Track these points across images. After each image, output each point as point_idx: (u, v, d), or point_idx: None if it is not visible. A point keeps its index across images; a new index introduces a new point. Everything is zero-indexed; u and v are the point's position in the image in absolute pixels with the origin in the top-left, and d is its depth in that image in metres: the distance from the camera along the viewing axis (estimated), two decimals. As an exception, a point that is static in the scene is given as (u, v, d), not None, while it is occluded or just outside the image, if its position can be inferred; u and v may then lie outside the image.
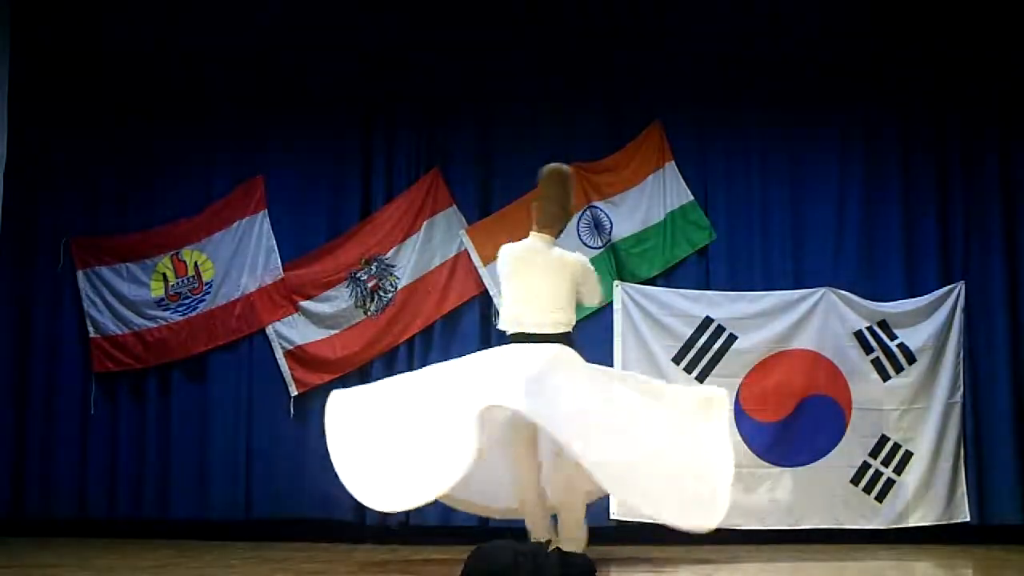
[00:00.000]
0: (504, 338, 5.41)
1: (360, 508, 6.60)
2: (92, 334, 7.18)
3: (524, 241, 5.46)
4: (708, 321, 6.81)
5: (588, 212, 7.06)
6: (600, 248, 7.01)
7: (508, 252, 5.45)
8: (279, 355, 7.06)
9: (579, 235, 7.01)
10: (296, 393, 6.98)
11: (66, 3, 7.44)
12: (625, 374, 6.27)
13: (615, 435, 5.04)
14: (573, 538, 5.18)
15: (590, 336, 6.81)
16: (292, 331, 7.08)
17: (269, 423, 7.02)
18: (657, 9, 7.15)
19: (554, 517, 5.42)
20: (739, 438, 6.64)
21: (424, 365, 6.84)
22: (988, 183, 6.97)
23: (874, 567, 5.73)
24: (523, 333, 5.27)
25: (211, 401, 7.09)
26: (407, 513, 6.54)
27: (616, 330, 6.83)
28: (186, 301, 7.18)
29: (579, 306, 5.50)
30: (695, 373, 6.76)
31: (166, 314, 7.18)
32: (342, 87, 7.28)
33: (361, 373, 6.98)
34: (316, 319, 7.09)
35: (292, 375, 7.03)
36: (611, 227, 7.04)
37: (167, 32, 7.34)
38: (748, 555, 6.08)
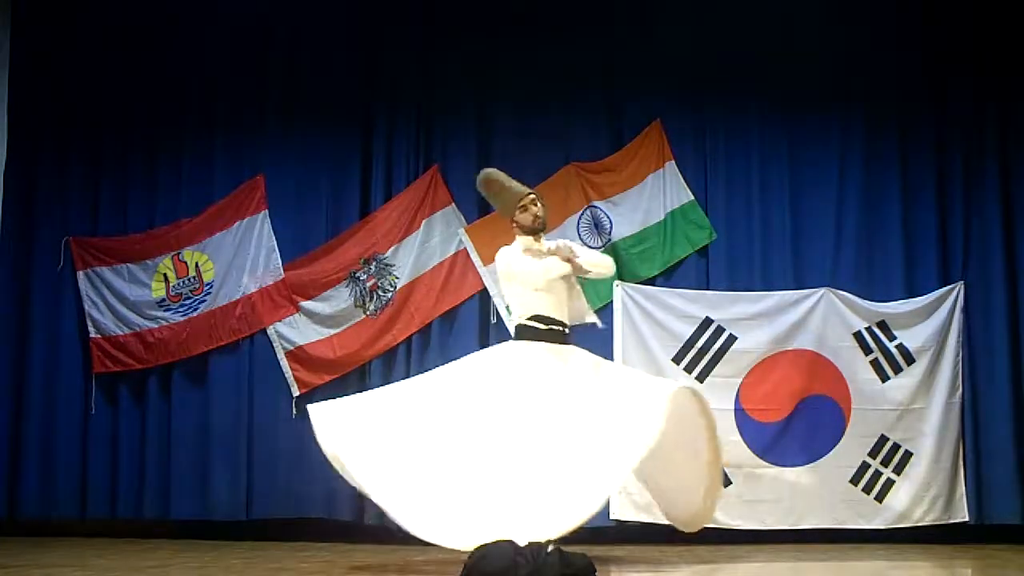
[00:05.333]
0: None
1: (360, 508, 6.63)
2: (93, 334, 7.18)
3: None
4: (708, 321, 6.81)
5: (588, 212, 7.05)
6: (600, 248, 6.99)
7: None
8: (280, 356, 7.05)
9: (579, 235, 7.00)
10: (298, 393, 6.97)
11: (66, 4, 7.45)
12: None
13: None
14: None
15: (590, 336, 6.80)
16: (293, 331, 7.08)
17: (269, 423, 7.02)
18: (657, 9, 7.16)
19: None
20: (739, 438, 6.66)
21: (423, 364, 6.83)
22: (988, 183, 6.97)
23: (874, 567, 5.73)
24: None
25: (211, 401, 7.08)
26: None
27: (616, 330, 6.81)
28: (187, 302, 7.18)
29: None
30: (695, 373, 6.76)
31: (167, 315, 7.18)
32: (341, 87, 7.28)
33: (361, 372, 6.99)
34: (316, 319, 7.09)
35: (294, 375, 7.03)
36: (611, 227, 7.04)
37: (167, 32, 7.36)
38: (748, 555, 6.07)
